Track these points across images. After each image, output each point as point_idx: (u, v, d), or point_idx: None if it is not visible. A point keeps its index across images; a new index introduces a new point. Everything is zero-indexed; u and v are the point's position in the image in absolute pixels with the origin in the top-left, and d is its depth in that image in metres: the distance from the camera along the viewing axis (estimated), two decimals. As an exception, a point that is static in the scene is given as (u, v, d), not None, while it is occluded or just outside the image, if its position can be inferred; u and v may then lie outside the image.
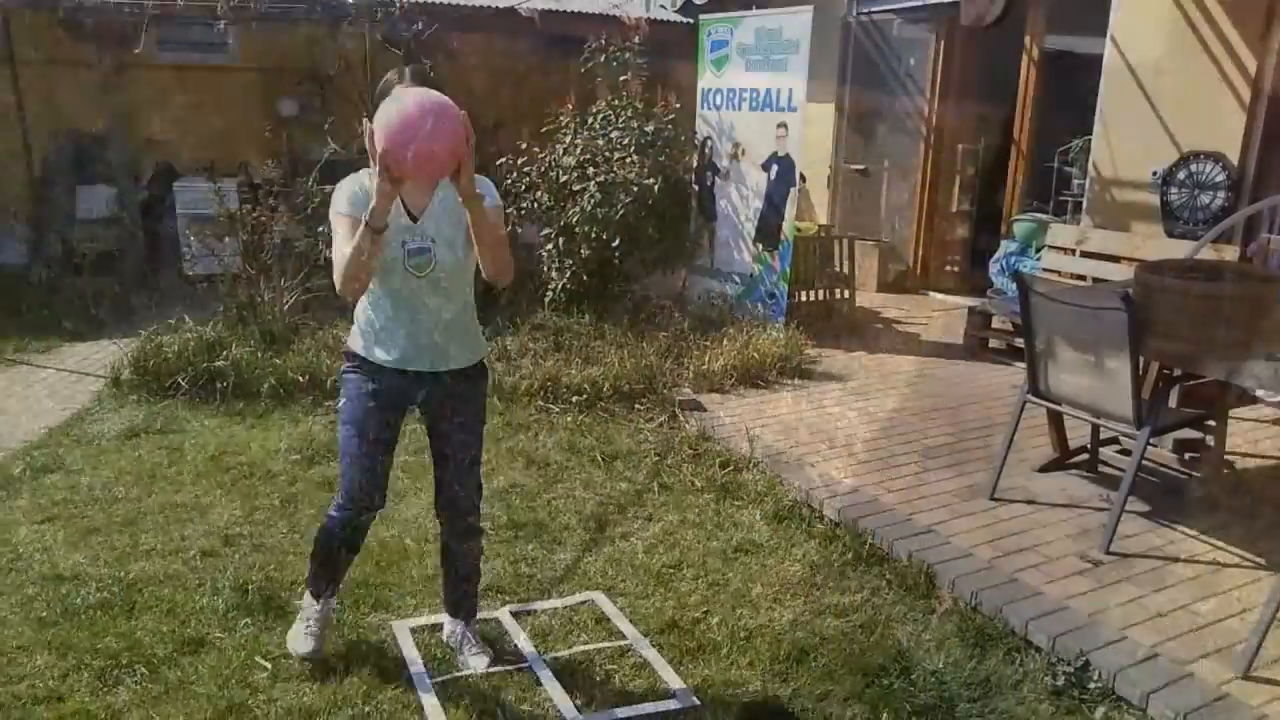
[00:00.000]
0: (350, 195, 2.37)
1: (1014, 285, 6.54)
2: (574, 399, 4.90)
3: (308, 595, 2.77)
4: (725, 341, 5.57)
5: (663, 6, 8.11)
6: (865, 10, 7.93)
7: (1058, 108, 7.05)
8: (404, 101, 2.16)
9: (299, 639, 2.73)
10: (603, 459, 4.26)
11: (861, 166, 8.24)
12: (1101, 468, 4.09)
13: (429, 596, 3.10)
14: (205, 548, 3.40)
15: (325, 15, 5.80)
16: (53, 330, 6.40)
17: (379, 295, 2.48)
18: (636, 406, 4.90)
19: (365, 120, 2.27)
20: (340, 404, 2.58)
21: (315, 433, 4.52)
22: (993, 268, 6.71)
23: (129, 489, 3.92)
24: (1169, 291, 3.12)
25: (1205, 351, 3.09)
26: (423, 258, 2.41)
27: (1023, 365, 5.44)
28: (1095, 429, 3.99)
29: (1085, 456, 4.12)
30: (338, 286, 2.33)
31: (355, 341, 2.56)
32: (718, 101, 6.61)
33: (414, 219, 2.40)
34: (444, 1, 8.17)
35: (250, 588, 3.07)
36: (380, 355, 2.50)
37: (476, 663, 2.74)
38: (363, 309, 2.53)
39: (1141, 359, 3.32)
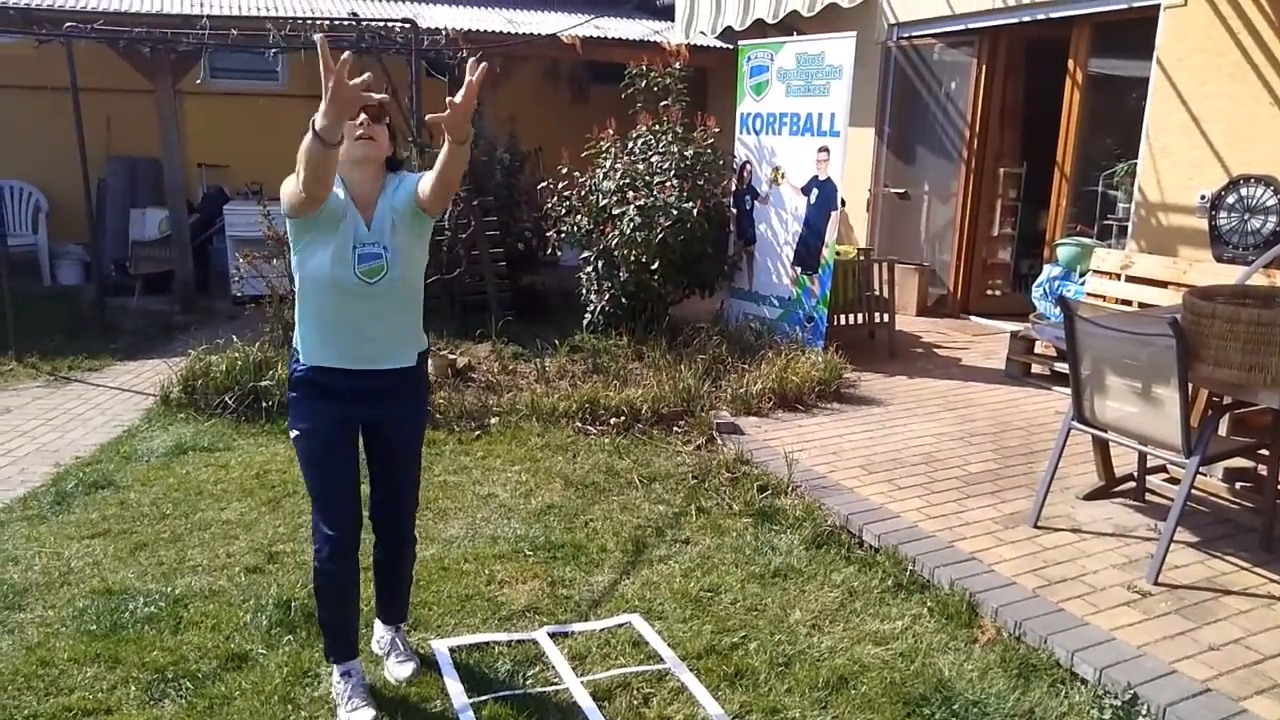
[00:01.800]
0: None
1: (1057, 310, 6.48)
2: (612, 421, 4.92)
3: (336, 675, 2.65)
4: (763, 365, 5.55)
5: (702, 33, 8.17)
6: (905, 35, 7.94)
7: (1102, 131, 6.98)
8: None
9: (356, 715, 2.53)
10: (640, 481, 4.26)
11: (902, 190, 8.21)
12: (1149, 496, 4.00)
13: (466, 616, 3.12)
14: (250, 564, 3.46)
15: (373, 45, 5.94)
16: (104, 349, 6.58)
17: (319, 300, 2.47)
18: (674, 429, 4.90)
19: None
20: (293, 434, 2.59)
21: (357, 452, 4.58)
22: (1035, 292, 6.63)
23: (176, 505, 4.01)
24: (1219, 318, 3.06)
25: (1257, 379, 3.03)
26: (374, 263, 2.44)
27: (1066, 391, 5.36)
28: (1142, 457, 3.92)
29: (1132, 485, 4.04)
30: (296, 191, 2.26)
31: (299, 350, 2.56)
32: (757, 126, 6.64)
33: (361, 214, 2.44)
34: (488, 30, 8.33)
35: (293, 605, 3.11)
36: (322, 359, 2.52)
37: (401, 670, 2.75)
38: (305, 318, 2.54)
39: (1190, 386, 3.26)
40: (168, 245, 8.20)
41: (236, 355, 5.27)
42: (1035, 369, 5.96)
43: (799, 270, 6.33)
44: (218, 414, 5.08)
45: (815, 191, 6.19)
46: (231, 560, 3.50)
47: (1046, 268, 6.62)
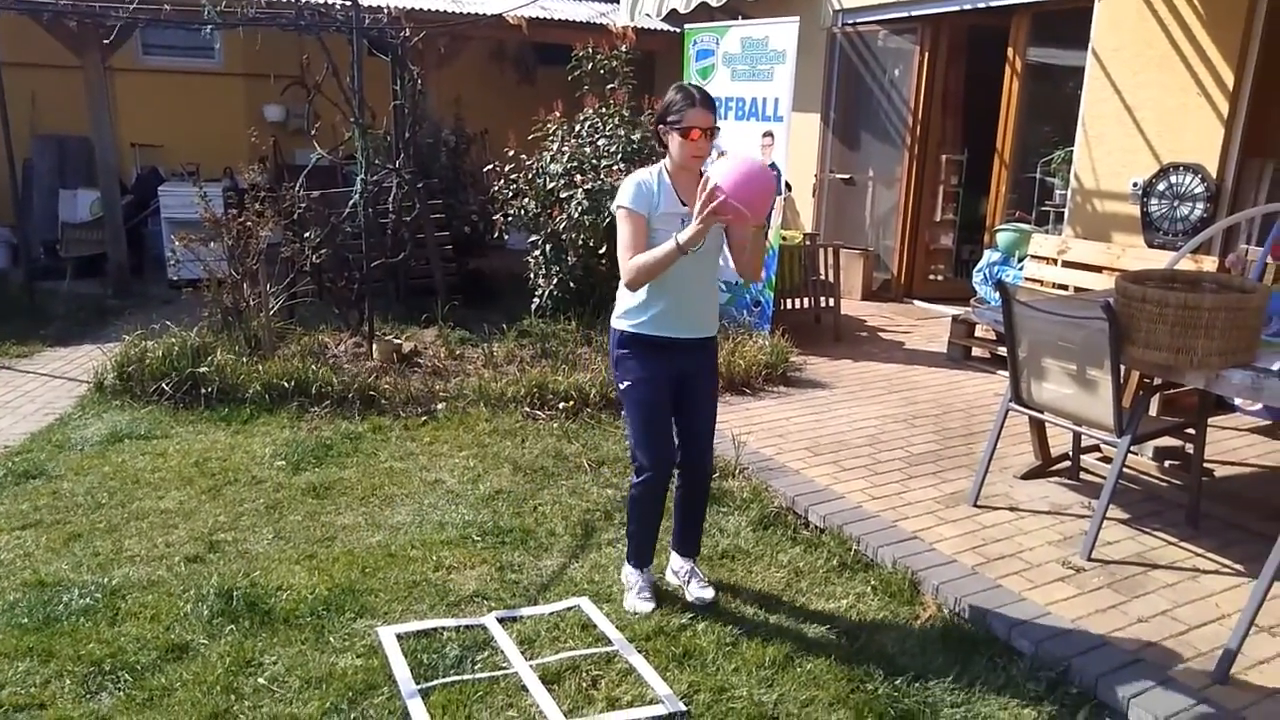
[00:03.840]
0: (635, 190, 2.84)
1: (997, 294, 6.63)
2: (561, 405, 4.91)
3: (628, 570, 3.18)
4: (711, 349, 5.58)
5: (647, 15, 8.12)
6: (850, 21, 8.00)
7: (1040, 118, 7.14)
8: (755, 174, 2.66)
9: (639, 604, 3.08)
10: (589, 465, 4.27)
11: (846, 175, 8.31)
12: (1083, 475, 4.13)
13: (414, 602, 3.10)
14: (190, 554, 3.38)
15: (312, 21, 5.79)
16: (34, 334, 6.35)
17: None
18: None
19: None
20: (624, 385, 2.97)
21: (300, 439, 4.51)
22: (976, 277, 6.77)
23: (112, 495, 3.90)
24: (1150, 301, 3.16)
25: (1184, 361, 3.14)
26: None
27: (1005, 373, 5.50)
28: (1077, 437, 4.04)
29: (1067, 464, 4.17)
30: (628, 280, 2.83)
31: (624, 323, 2.95)
32: (704, 110, 6.63)
33: (685, 205, 2.82)
34: (431, 9, 8.19)
35: (235, 594, 3.05)
36: (654, 330, 2.91)
37: (705, 593, 3.14)
38: (632, 294, 2.91)
39: (1122, 368, 3.36)
40: (100, 227, 7.94)
41: (174, 340, 5.14)
42: (976, 352, 6.10)
43: (746, 255, 6.36)
44: (154, 401, 4.95)
45: (762, 176, 6.22)
46: (171, 550, 3.42)
47: (986, 253, 6.75)
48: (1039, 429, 4.10)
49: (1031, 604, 3.05)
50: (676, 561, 3.27)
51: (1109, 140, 6.02)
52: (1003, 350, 5.76)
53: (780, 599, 3.18)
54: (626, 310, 2.96)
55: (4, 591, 3.10)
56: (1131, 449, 3.46)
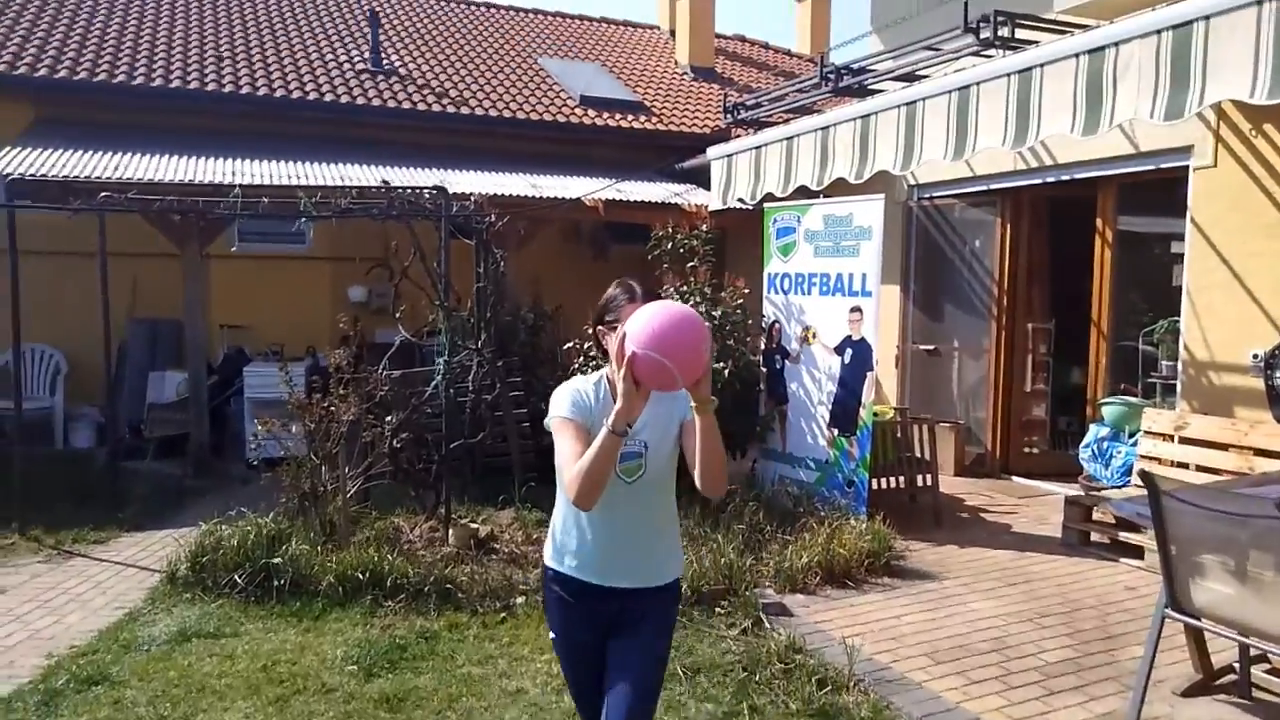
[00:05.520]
0: (572, 399, 2.35)
1: (1107, 471, 6.19)
2: (649, 601, 4.56)
3: None
4: (805, 534, 5.23)
5: (740, 200, 8.02)
6: (926, 195, 8.01)
7: (1134, 286, 6.89)
8: (668, 314, 2.11)
9: None
10: (684, 673, 3.87)
11: (931, 346, 8.08)
12: (1255, 691, 3.60)
13: None
14: (254, 783, 3.07)
15: (403, 211, 5.95)
16: (112, 519, 6.28)
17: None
18: (716, 610, 4.53)
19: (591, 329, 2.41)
20: (551, 636, 2.55)
21: (373, 639, 4.22)
22: (1083, 453, 6.36)
23: (175, 705, 3.63)
24: (1332, 499, 2.79)
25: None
26: (633, 462, 2.35)
27: (1133, 563, 5.02)
28: (1244, 647, 3.54)
29: (1233, 677, 3.64)
30: (574, 496, 2.20)
31: (549, 558, 2.49)
32: (785, 286, 6.57)
33: (629, 424, 2.22)
34: (513, 194, 8.46)
35: (301, 838, 2.71)
36: (580, 573, 2.41)
37: None
38: (560, 519, 2.46)
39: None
40: (184, 408, 8.04)
41: (249, 529, 4.98)
42: (1095, 537, 5.59)
43: (836, 432, 6.09)
44: (226, 594, 4.74)
45: (849, 351, 6.04)
46: (233, 777, 3.11)
47: (1093, 427, 6.37)
48: (1197, 637, 3.62)
49: None
50: None
51: (1219, 310, 5.72)
52: (1127, 536, 5.30)
53: None
54: (551, 543, 2.48)
55: (52, 828, 2.81)
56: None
